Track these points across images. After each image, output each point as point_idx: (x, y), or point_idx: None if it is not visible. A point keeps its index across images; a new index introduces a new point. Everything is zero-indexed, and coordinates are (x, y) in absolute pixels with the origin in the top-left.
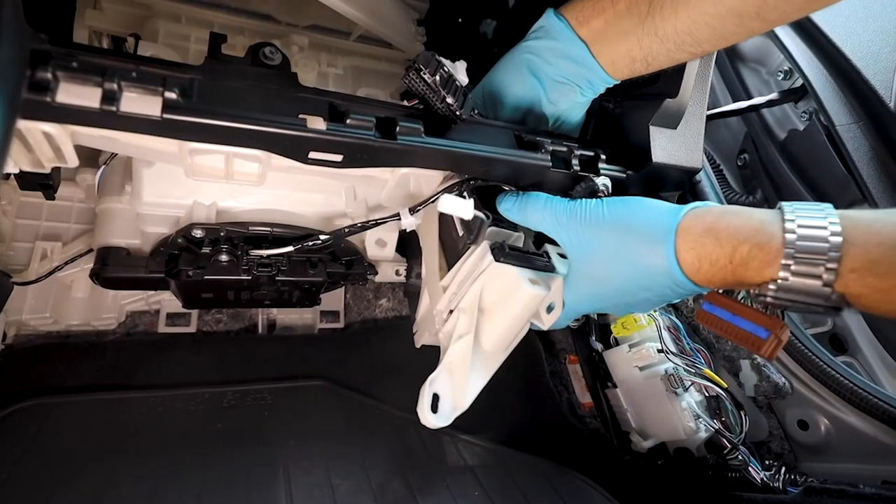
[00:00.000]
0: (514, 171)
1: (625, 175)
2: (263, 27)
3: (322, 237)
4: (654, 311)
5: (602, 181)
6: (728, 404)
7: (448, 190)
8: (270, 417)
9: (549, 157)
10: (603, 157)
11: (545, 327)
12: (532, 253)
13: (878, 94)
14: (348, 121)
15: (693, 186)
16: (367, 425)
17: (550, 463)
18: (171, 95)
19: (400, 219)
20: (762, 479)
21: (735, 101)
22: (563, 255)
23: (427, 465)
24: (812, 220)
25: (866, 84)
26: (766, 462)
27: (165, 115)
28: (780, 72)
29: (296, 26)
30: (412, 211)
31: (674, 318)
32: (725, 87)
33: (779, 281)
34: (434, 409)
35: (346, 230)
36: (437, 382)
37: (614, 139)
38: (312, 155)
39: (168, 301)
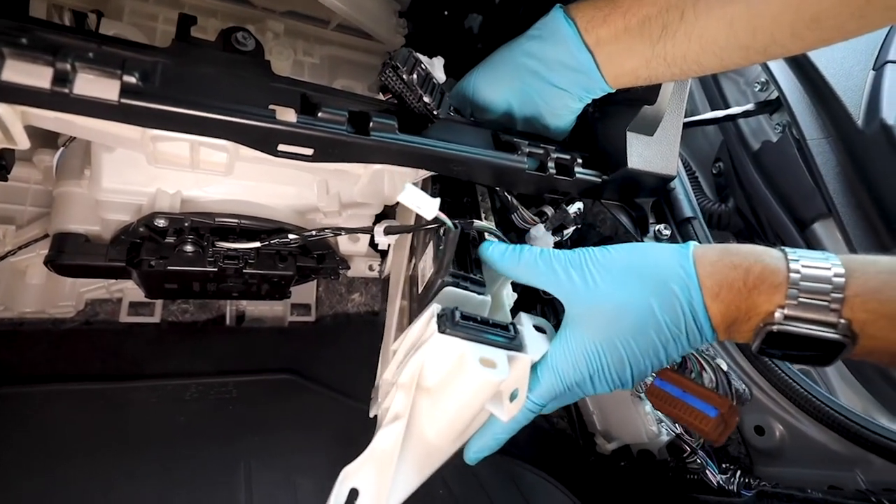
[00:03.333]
0: (490, 172)
1: (600, 180)
2: (237, 11)
3: (291, 236)
4: None
5: (575, 207)
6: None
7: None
8: (235, 412)
9: (526, 160)
10: (579, 160)
11: (505, 419)
12: (494, 324)
13: (847, 112)
14: (320, 114)
15: (667, 193)
16: (334, 421)
17: (516, 462)
18: (131, 79)
19: (372, 233)
20: (718, 483)
21: (713, 109)
22: (540, 329)
23: None
24: (813, 254)
25: (837, 101)
26: (724, 465)
27: (123, 101)
28: (757, 83)
29: (272, 11)
30: (387, 231)
31: None
32: (704, 94)
33: (786, 309)
34: None
35: (315, 234)
36: (357, 475)
37: (591, 143)
38: (282, 147)
39: (131, 289)
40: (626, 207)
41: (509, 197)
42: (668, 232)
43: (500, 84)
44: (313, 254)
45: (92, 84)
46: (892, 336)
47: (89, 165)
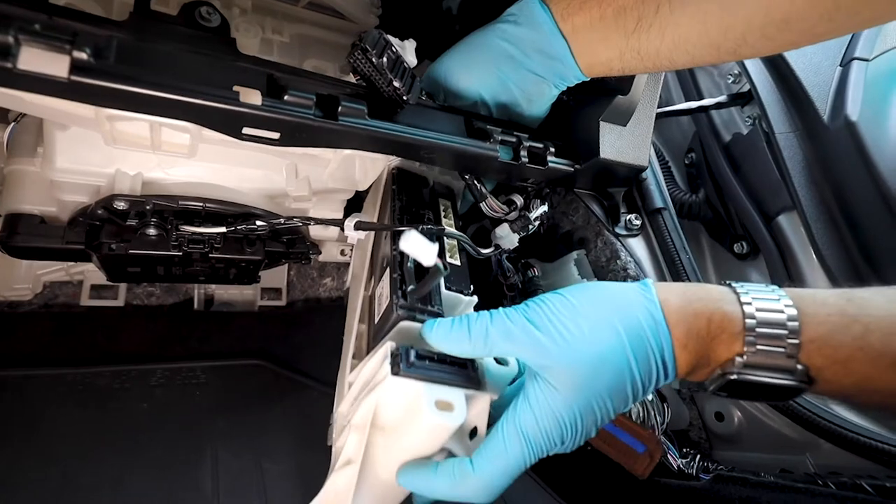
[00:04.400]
0: (461, 159)
1: (572, 169)
2: None
3: (258, 223)
4: None
5: (539, 211)
6: (653, 396)
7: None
8: (202, 397)
9: (498, 148)
10: (552, 149)
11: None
12: (452, 361)
13: (815, 107)
14: (286, 97)
15: (639, 183)
16: (304, 407)
17: None
18: (81, 55)
19: (342, 227)
20: (679, 467)
21: (687, 99)
22: (500, 361)
23: None
24: (764, 294)
25: (805, 96)
26: (685, 450)
27: (73, 78)
28: (731, 75)
29: None
30: (358, 227)
31: None
32: (679, 84)
33: (745, 357)
34: None
35: (283, 222)
36: None
37: (565, 132)
38: (247, 131)
39: (92, 272)
40: (598, 197)
41: (479, 185)
42: (638, 222)
43: (475, 68)
44: (283, 238)
45: (38, 58)
46: (846, 381)
47: (43, 143)
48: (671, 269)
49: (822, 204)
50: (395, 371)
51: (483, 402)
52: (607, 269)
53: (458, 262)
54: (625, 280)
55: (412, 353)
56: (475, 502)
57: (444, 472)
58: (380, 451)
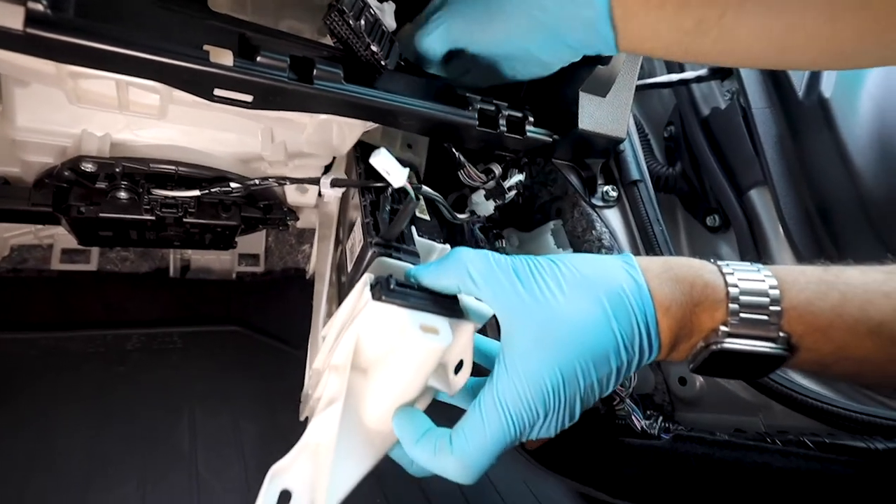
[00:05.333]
0: (439, 126)
1: (551, 139)
2: None
3: (233, 185)
4: None
5: (514, 180)
6: None
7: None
8: (179, 361)
9: (476, 116)
10: (531, 119)
11: (451, 392)
12: (431, 291)
13: (791, 82)
14: (259, 58)
15: (617, 155)
16: (282, 371)
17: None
18: (37, 6)
19: (319, 184)
20: (642, 427)
21: (670, 72)
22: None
23: None
24: (743, 266)
25: (783, 71)
26: (648, 412)
27: (29, 30)
28: None
29: None
30: (334, 184)
31: None
32: None
33: (729, 325)
34: None
35: (258, 183)
36: (288, 473)
37: (544, 100)
38: (218, 92)
39: (62, 235)
40: (576, 167)
41: (457, 153)
42: (614, 193)
43: (501, 33)
44: (259, 204)
45: None
46: (825, 349)
47: (2, 100)
48: (644, 240)
49: (792, 180)
50: (377, 297)
51: (467, 331)
52: (583, 239)
53: (427, 218)
54: (599, 250)
55: (392, 282)
56: (455, 481)
57: (425, 444)
58: (362, 395)
